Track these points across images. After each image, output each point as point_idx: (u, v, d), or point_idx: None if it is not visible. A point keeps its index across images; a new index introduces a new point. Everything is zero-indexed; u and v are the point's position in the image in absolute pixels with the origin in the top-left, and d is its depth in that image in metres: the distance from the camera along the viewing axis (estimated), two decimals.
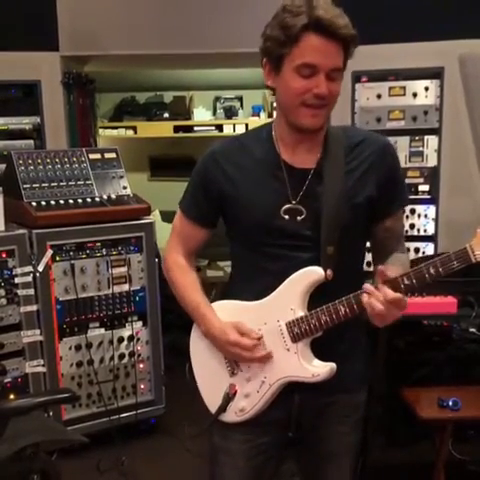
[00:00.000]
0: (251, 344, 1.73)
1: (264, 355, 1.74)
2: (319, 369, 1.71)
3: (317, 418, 1.83)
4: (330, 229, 1.70)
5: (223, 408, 1.81)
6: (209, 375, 1.88)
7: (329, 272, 1.69)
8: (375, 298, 1.57)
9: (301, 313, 1.71)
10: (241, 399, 1.81)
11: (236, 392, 1.80)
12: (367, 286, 1.60)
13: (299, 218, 1.73)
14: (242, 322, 1.76)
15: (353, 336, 1.83)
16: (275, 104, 1.82)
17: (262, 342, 1.75)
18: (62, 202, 3.53)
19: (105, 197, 3.68)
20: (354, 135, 1.80)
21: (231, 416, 1.82)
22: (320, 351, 1.72)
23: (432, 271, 1.55)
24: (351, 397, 1.86)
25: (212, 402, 1.86)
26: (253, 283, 1.80)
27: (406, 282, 1.57)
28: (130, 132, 6.85)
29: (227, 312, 1.83)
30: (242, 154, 1.79)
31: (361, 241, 1.86)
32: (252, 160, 1.77)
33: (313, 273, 1.69)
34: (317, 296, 1.70)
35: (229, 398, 1.80)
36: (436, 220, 3.96)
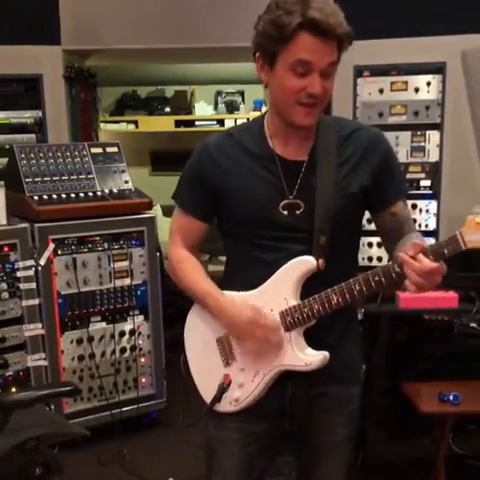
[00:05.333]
0: (273, 324, 1.71)
1: (278, 340, 1.73)
2: (312, 358, 1.72)
3: (310, 409, 1.83)
4: (323, 219, 1.70)
5: (218, 398, 1.81)
6: (204, 366, 1.90)
7: (321, 261, 1.69)
8: (412, 269, 1.54)
9: (294, 302, 1.72)
10: (236, 389, 1.82)
11: (231, 382, 1.81)
12: (403, 256, 1.55)
13: (298, 212, 1.73)
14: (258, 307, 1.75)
15: (344, 327, 1.84)
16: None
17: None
18: (64, 196, 3.54)
19: (107, 191, 3.68)
20: (346, 126, 1.80)
21: (226, 406, 1.83)
22: (312, 340, 1.73)
23: None
24: (344, 388, 1.86)
25: (207, 392, 1.86)
26: (247, 274, 1.80)
27: (396, 270, 1.58)
28: (131, 126, 6.86)
29: None
30: (235, 148, 1.79)
31: (354, 232, 1.86)
32: (245, 154, 1.77)
33: (305, 263, 1.70)
34: (310, 285, 1.71)
35: (224, 388, 1.81)
36: (437, 215, 3.96)
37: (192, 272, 1.90)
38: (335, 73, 1.66)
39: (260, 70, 1.69)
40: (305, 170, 1.74)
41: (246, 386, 1.80)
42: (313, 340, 1.74)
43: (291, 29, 1.55)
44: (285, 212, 1.73)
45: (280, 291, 1.73)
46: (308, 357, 1.72)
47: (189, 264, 1.91)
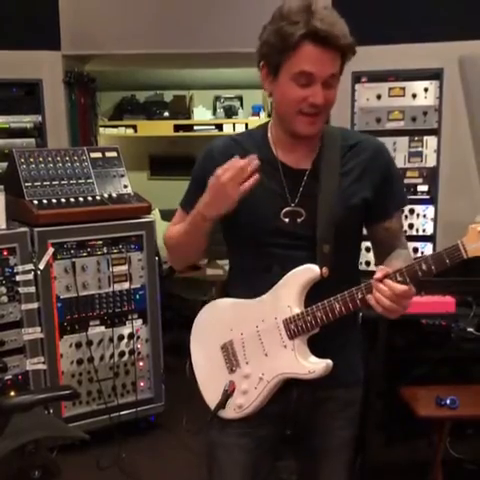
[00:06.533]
0: (242, 162, 1.62)
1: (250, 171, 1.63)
2: (315, 366, 1.73)
3: (313, 413, 1.84)
4: (325, 228, 1.72)
5: (222, 404, 1.82)
6: (209, 372, 1.90)
7: (325, 270, 1.70)
8: (382, 293, 1.58)
9: (297, 310, 1.72)
10: (239, 396, 1.82)
11: (234, 389, 1.82)
12: (374, 283, 1.60)
13: (299, 220, 1.75)
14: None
15: (348, 331, 1.85)
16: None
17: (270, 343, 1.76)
18: (63, 200, 3.55)
19: (106, 195, 3.69)
20: (350, 137, 1.81)
21: (230, 413, 1.84)
22: (316, 347, 1.74)
23: (424, 267, 1.56)
24: (347, 392, 1.87)
25: (211, 398, 1.87)
26: (251, 281, 1.81)
27: (399, 278, 1.58)
28: (130, 131, 6.87)
29: (226, 310, 1.85)
30: (239, 153, 1.76)
31: (357, 240, 1.88)
32: None
33: (309, 271, 1.71)
34: (314, 293, 1.72)
35: (228, 395, 1.82)
36: (435, 220, 3.98)
37: (179, 227, 1.88)
38: (338, 83, 1.68)
39: (264, 79, 1.71)
40: (307, 178, 1.75)
41: (249, 393, 1.81)
42: (318, 346, 1.74)
43: (295, 39, 1.57)
44: (286, 219, 1.75)
45: (284, 299, 1.74)
46: (311, 365, 1.73)
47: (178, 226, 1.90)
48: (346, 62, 1.66)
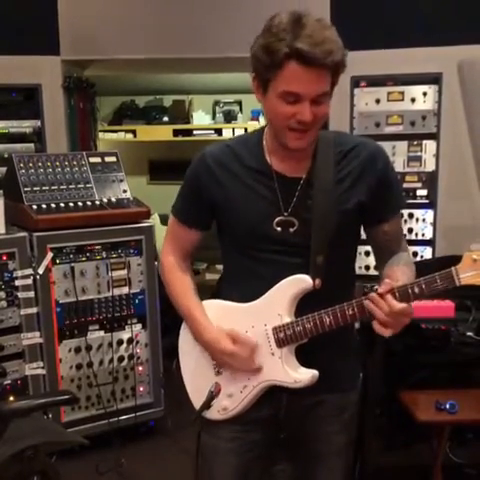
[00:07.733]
0: (246, 355, 1.74)
1: (254, 368, 1.76)
2: (301, 376, 1.73)
3: (305, 417, 1.84)
4: (320, 239, 1.71)
5: (206, 405, 1.83)
6: (195, 372, 1.91)
7: (317, 281, 1.70)
8: (380, 308, 1.58)
9: (288, 319, 1.73)
10: (224, 398, 1.83)
11: (220, 391, 1.83)
12: (372, 295, 1.60)
13: (291, 230, 1.74)
14: (237, 331, 1.77)
15: (342, 338, 1.84)
16: None
17: (257, 351, 1.76)
18: (62, 205, 3.55)
19: (105, 200, 3.69)
20: (345, 142, 1.79)
21: (214, 414, 1.85)
22: (308, 352, 1.74)
23: (416, 290, 1.58)
24: (340, 397, 1.87)
25: (197, 398, 1.88)
26: (242, 285, 1.82)
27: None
28: (130, 136, 6.88)
29: (215, 311, 1.86)
30: (233, 161, 1.79)
31: (351, 249, 1.87)
32: (243, 167, 1.78)
33: (302, 282, 1.71)
34: (306, 303, 1.72)
35: (212, 396, 1.82)
36: (434, 224, 3.98)
37: (179, 286, 1.93)
38: (330, 98, 1.65)
39: (256, 91, 1.69)
40: (302, 188, 1.75)
41: (235, 396, 1.82)
42: (309, 352, 1.74)
43: (280, 57, 1.54)
44: (278, 228, 1.74)
45: (275, 307, 1.74)
46: (298, 375, 1.73)
47: (177, 277, 1.94)
48: (339, 75, 1.63)
